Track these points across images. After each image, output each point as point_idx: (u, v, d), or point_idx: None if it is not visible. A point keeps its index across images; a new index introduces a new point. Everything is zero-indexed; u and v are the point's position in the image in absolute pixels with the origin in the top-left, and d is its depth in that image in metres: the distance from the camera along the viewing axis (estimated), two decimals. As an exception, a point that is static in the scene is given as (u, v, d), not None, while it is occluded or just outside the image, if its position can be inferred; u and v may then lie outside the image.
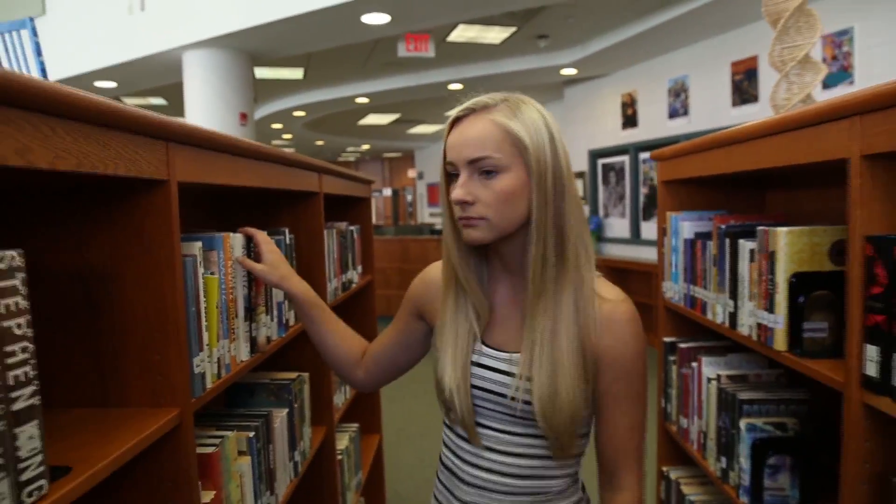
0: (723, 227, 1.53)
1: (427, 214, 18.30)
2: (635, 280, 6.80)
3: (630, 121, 7.63)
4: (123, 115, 0.85)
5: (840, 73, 4.96)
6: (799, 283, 1.23)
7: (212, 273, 1.17)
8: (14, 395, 0.67)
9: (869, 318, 0.99)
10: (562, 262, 1.01)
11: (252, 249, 1.34)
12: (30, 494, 0.69)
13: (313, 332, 1.31)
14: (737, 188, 1.99)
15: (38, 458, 0.70)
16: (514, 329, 1.09)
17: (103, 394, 1.02)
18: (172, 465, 1.02)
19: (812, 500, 1.39)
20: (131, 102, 8.99)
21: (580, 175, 8.68)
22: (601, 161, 8.24)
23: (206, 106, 6.19)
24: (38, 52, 3.49)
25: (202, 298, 1.12)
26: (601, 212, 8.29)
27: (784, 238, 1.24)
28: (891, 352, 0.94)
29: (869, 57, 4.79)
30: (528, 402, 1.02)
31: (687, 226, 1.80)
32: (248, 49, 6.24)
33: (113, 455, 0.84)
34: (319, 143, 15.87)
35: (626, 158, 7.71)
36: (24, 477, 0.68)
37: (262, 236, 1.34)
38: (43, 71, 3.55)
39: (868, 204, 0.98)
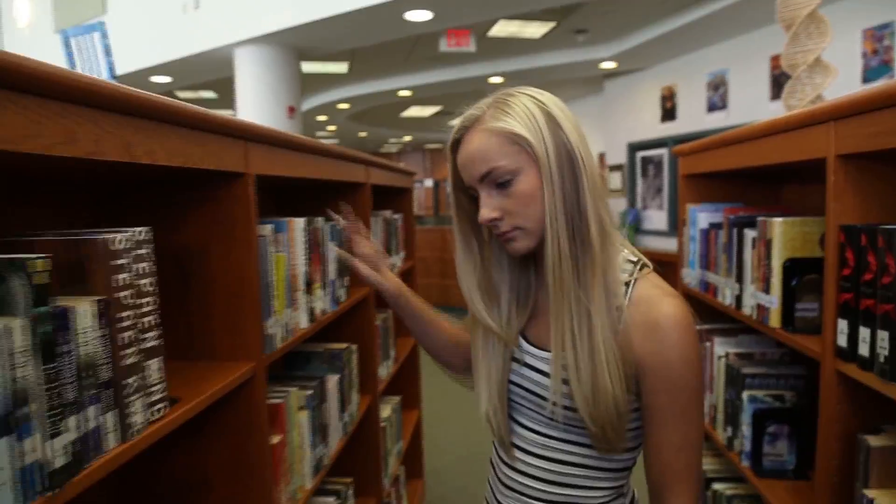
0: (732, 217, 1.69)
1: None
2: (671, 272, 6.88)
3: (669, 114, 7.68)
4: (215, 121, 1.06)
5: (881, 66, 4.97)
6: (792, 267, 1.38)
7: (279, 251, 1.38)
8: (144, 336, 0.88)
9: (841, 296, 1.14)
10: (584, 250, 0.92)
11: (343, 238, 1.35)
12: (156, 412, 0.90)
13: (408, 324, 1.29)
14: (755, 182, 2.12)
15: (161, 385, 0.92)
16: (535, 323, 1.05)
17: (194, 349, 1.23)
18: (248, 410, 1.23)
19: (806, 465, 1.55)
20: (183, 96, 9.37)
21: (618, 168, 8.75)
22: (640, 154, 8.30)
23: (256, 100, 6.47)
24: (108, 53, 3.78)
25: (272, 272, 1.33)
26: (639, 204, 8.36)
27: (779, 227, 1.39)
28: (857, 325, 1.10)
29: (911, 51, 4.79)
30: (568, 409, 0.97)
31: (703, 216, 1.95)
32: (295, 45, 6.49)
33: (208, 392, 1.05)
34: (362, 134, 16.16)
35: (664, 151, 7.76)
36: (152, 399, 0.90)
37: (359, 231, 1.31)
38: (111, 70, 3.84)
39: (842, 197, 1.13)
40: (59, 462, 0.70)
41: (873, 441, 1.10)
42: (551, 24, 6.69)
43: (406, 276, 3.04)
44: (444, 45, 6.47)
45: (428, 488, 3.47)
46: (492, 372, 1.06)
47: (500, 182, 0.94)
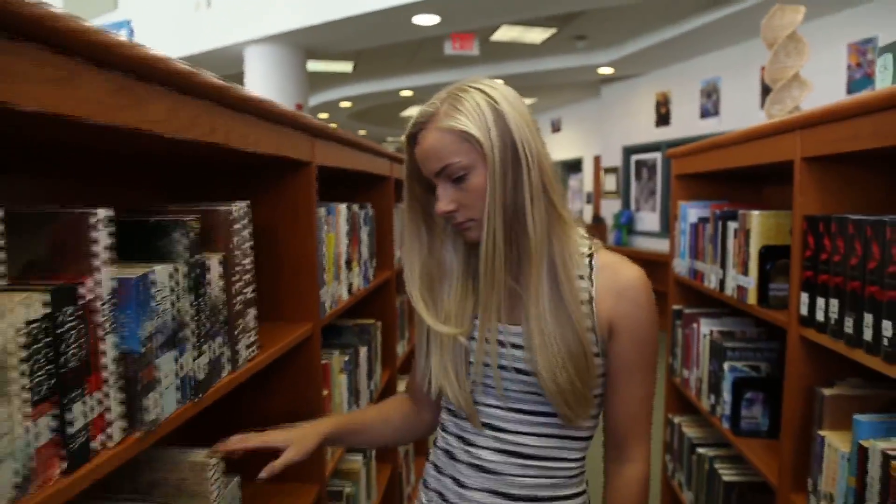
0: (717, 212, 1.92)
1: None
2: (663, 271, 7.13)
3: (663, 119, 7.93)
4: (292, 117, 1.28)
5: (864, 79, 5.23)
6: (766, 253, 1.62)
7: (330, 232, 1.61)
8: (246, 289, 1.11)
9: (803, 273, 1.38)
10: (523, 240, 0.98)
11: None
12: (252, 351, 1.13)
13: (360, 442, 1.27)
14: (740, 182, 2.36)
15: (255, 331, 1.15)
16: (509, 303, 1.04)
17: (263, 311, 1.46)
18: (307, 364, 1.46)
19: (777, 427, 1.79)
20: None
21: (613, 170, 9.01)
22: (634, 157, 8.56)
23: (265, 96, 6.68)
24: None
25: (325, 249, 1.56)
26: (633, 206, 8.61)
27: (756, 219, 1.63)
28: (815, 296, 1.33)
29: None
30: (521, 371, 1.01)
31: (693, 212, 2.19)
32: (304, 45, 6.70)
33: (282, 343, 1.28)
34: (362, 132, 16.37)
35: (658, 155, 8.02)
36: (249, 340, 1.12)
37: (267, 443, 1.10)
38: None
39: (806, 192, 1.37)
40: (201, 375, 0.93)
41: (826, 392, 1.34)
42: (552, 31, 6.93)
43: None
44: (449, 49, 6.69)
45: (432, 466, 3.69)
46: (452, 359, 1.06)
47: (455, 177, 0.97)
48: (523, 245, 0.98)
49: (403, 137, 1.06)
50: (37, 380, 0.61)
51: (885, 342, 1.09)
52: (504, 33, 7.00)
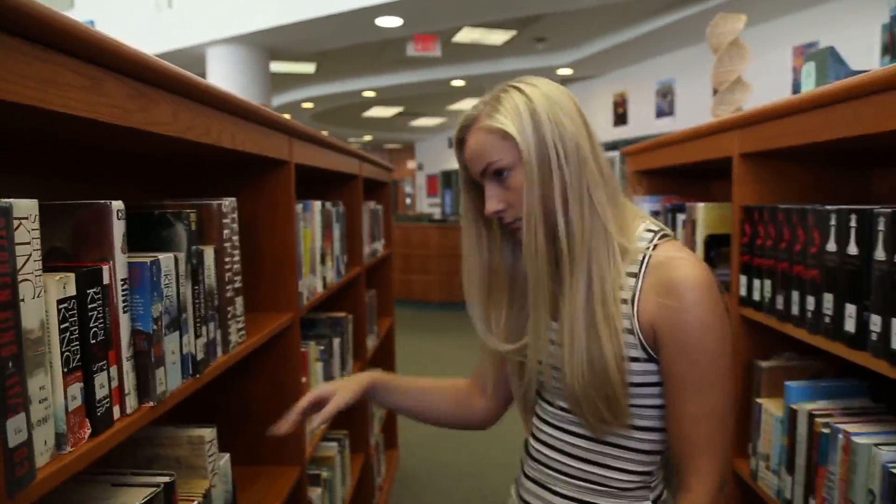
0: (668, 205, 2.07)
1: (426, 205, 18.81)
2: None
3: (621, 118, 8.16)
4: (270, 118, 1.37)
5: (808, 79, 5.48)
6: (711, 242, 1.77)
7: (307, 227, 1.70)
8: (235, 278, 1.20)
9: (742, 258, 1.52)
10: (570, 246, 0.94)
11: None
12: (241, 336, 1.22)
13: (402, 406, 1.27)
14: (690, 178, 2.52)
15: (243, 317, 1.24)
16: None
17: (249, 301, 1.54)
18: (287, 351, 1.55)
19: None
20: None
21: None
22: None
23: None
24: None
25: (302, 243, 1.65)
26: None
27: (701, 211, 1.77)
28: (752, 278, 1.48)
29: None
30: (557, 369, 1.00)
31: (646, 206, 2.33)
32: (267, 46, 6.73)
33: (266, 329, 1.37)
34: (324, 133, 16.35)
35: (616, 154, 8.24)
36: (238, 326, 1.21)
37: (319, 397, 1.16)
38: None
39: (743, 185, 1.51)
40: (200, 355, 1.01)
41: (763, 364, 1.48)
42: (513, 33, 7.08)
43: (384, 261, 3.36)
44: (412, 50, 6.79)
45: (402, 458, 3.79)
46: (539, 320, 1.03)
47: (499, 176, 0.98)
48: (560, 244, 0.95)
49: (453, 141, 1.07)
50: (69, 352, 0.70)
51: (809, 315, 1.23)
52: (466, 35, 7.13)
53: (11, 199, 0.60)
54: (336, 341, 2.09)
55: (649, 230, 0.99)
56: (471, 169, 1.03)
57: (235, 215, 1.20)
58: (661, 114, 7.42)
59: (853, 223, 1.09)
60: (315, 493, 1.81)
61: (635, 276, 0.95)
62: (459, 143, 1.05)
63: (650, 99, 7.61)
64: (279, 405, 1.56)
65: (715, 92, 2.28)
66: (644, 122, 7.71)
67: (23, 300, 0.61)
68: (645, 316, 0.93)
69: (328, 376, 1.95)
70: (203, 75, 6.74)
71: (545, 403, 1.08)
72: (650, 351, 0.94)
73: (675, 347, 0.91)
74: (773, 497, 1.41)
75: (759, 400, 1.47)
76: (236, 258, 1.20)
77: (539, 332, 0.99)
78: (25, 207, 0.62)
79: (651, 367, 0.94)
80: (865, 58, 5.18)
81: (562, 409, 1.03)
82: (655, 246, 0.97)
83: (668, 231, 1.01)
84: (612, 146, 8.31)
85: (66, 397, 0.68)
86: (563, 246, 0.95)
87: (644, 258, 0.96)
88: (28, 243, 0.62)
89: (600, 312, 0.93)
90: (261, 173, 1.50)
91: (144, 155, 1.28)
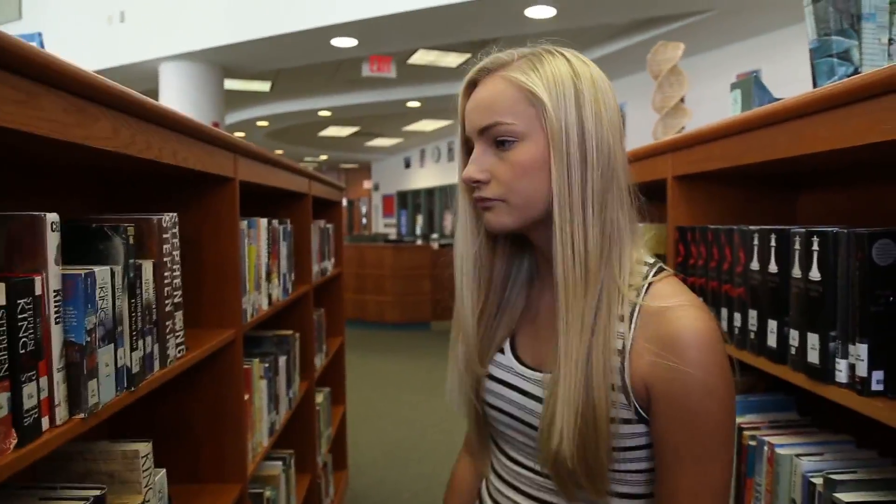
0: (610, 225, 2.13)
1: (382, 225, 18.80)
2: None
3: (573, 142, 8.33)
4: (215, 135, 1.38)
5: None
6: (649, 261, 1.83)
7: (251, 244, 1.70)
8: (175, 293, 1.19)
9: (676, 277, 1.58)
10: (586, 258, 0.79)
11: None
12: (180, 351, 1.21)
13: None
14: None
15: (182, 332, 1.23)
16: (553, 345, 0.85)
17: (187, 317, 1.53)
18: (230, 368, 1.54)
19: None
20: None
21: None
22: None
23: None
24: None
25: (246, 260, 1.65)
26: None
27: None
28: (686, 297, 1.54)
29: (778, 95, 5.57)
30: (530, 426, 0.86)
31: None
32: (222, 63, 6.70)
33: (208, 345, 1.36)
34: (279, 152, 16.25)
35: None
36: (177, 341, 1.21)
37: None
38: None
39: (677, 206, 1.58)
40: (135, 369, 1.01)
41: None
42: (467, 56, 7.15)
43: (334, 280, 3.36)
44: (367, 70, 6.84)
45: (351, 478, 3.76)
46: (462, 387, 0.94)
47: (500, 140, 0.81)
48: (587, 261, 0.79)
49: (461, 87, 0.88)
50: (-4, 361, 0.69)
51: (737, 331, 1.29)
52: (421, 57, 7.22)
53: (-62, 208, 0.60)
54: (282, 359, 2.08)
55: (645, 262, 0.86)
56: (469, 120, 0.85)
57: (176, 230, 1.20)
58: (611, 138, 7.62)
59: (773, 242, 1.15)
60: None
61: (625, 321, 0.80)
62: (469, 87, 0.87)
63: (601, 123, 7.80)
64: (220, 421, 1.55)
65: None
66: (595, 146, 7.89)
67: (-52, 309, 0.61)
68: (638, 372, 0.79)
69: (273, 395, 1.94)
70: (155, 91, 6.67)
71: (503, 457, 0.94)
72: (641, 412, 0.80)
73: (672, 413, 0.77)
74: (704, 508, 1.46)
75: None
76: (176, 273, 1.20)
77: (570, 364, 0.79)
78: (-47, 216, 0.62)
79: (640, 428, 0.81)
80: (805, 85, 5.43)
81: (526, 468, 0.89)
82: (650, 284, 0.82)
83: (665, 266, 0.89)
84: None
85: (-9, 407, 0.68)
86: (592, 255, 0.79)
87: (638, 297, 0.81)
88: (-45, 252, 0.62)
89: (600, 362, 0.78)
90: (205, 189, 1.51)
91: (88, 169, 1.28)
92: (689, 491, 0.78)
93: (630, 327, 0.80)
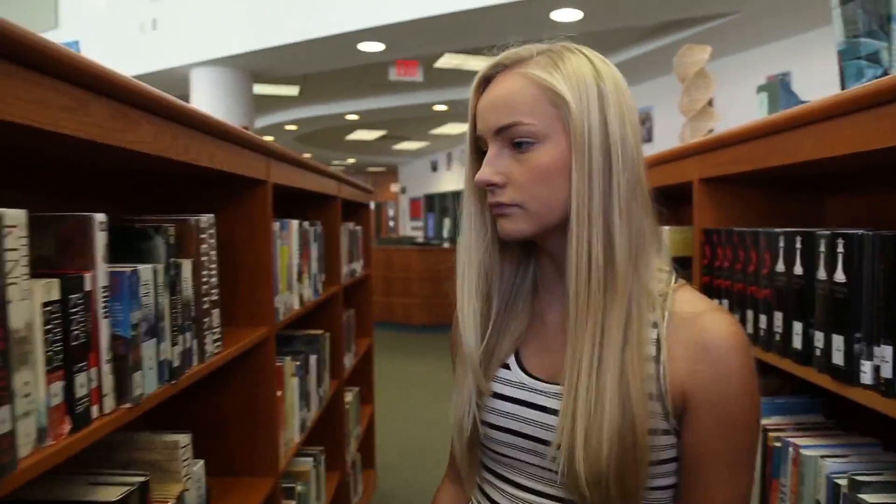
0: (636, 228, 2.14)
1: (409, 228, 18.88)
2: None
3: (600, 145, 8.31)
4: (250, 139, 1.43)
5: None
6: (675, 263, 1.83)
7: (284, 244, 1.75)
8: (212, 291, 1.24)
9: (702, 279, 1.59)
10: (612, 264, 0.75)
11: None
12: (217, 347, 1.26)
13: None
14: (663, 202, 2.60)
15: (219, 329, 1.28)
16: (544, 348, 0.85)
17: (225, 315, 1.58)
18: (262, 365, 1.58)
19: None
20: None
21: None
22: (573, 181, 8.91)
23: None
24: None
25: (278, 260, 1.70)
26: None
27: (666, 234, 1.84)
28: (711, 298, 1.54)
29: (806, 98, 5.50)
30: (542, 441, 0.81)
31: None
32: (251, 68, 6.81)
33: (242, 342, 1.41)
34: (307, 155, 16.42)
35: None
36: (214, 337, 1.25)
37: None
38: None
39: (703, 208, 1.59)
40: (176, 363, 1.05)
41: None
42: (493, 59, 7.21)
43: (363, 282, 3.41)
44: (393, 75, 6.90)
45: (379, 479, 3.80)
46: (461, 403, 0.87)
47: (518, 142, 0.77)
48: (607, 270, 0.75)
49: (473, 83, 0.83)
50: (52, 352, 0.74)
51: (762, 333, 1.30)
52: (447, 61, 7.25)
53: (2, 209, 0.65)
54: (313, 358, 2.12)
55: (662, 269, 0.83)
56: (483, 120, 0.80)
57: (213, 231, 1.25)
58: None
59: (798, 245, 1.16)
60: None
61: (657, 326, 0.78)
62: (482, 84, 0.82)
63: (628, 126, 7.78)
64: (254, 417, 1.60)
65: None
66: (622, 149, 7.87)
67: (10, 302, 0.65)
68: (675, 379, 0.76)
69: (304, 392, 1.98)
70: (187, 96, 6.80)
71: (506, 485, 0.86)
72: (675, 422, 0.77)
73: (712, 421, 0.75)
74: (730, 508, 1.46)
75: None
76: (213, 272, 1.25)
77: (582, 379, 0.75)
78: (15, 217, 0.66)
79: (670, 440, 0.78)
80: (837, 87, 5.36)
81: (539, 494, 0.82)
82: (673, 290, 0.81)
83: (683, 275, 0.87)
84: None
85: (48, 394, 0.72)
86: (618, 264, 0.75)
87: (665, 305, 0.79)
88: (16, 249, 0.66)
89: (636, 371, 0.74)
90: (240, 192, 1.55)
91: (129, 172, 1.33)
92: (723, 501, 0.77)
93: (663, 334, 0.77)
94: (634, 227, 0.77)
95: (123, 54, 7.04)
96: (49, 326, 0.73)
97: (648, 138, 7.41)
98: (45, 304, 0.73)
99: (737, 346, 0.76)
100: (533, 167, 0.77)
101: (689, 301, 0.80)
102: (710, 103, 2.39)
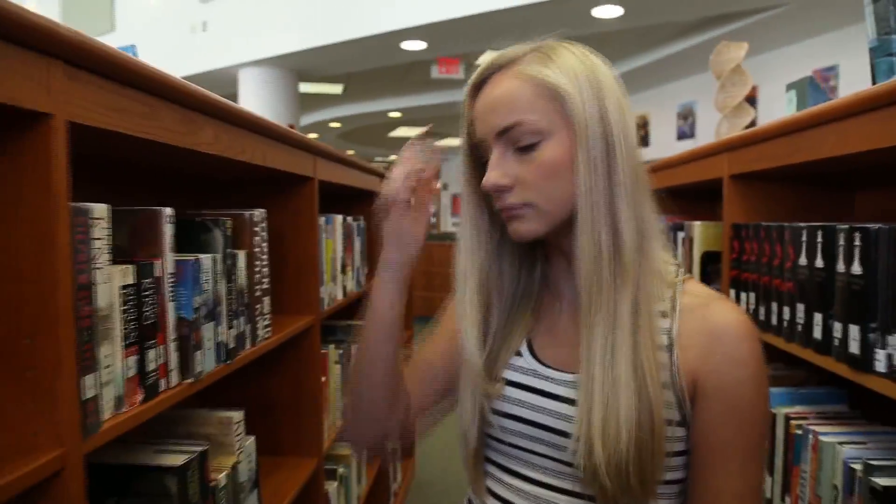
0: (670, 224, 2.18)
1: (450, 224, 18.99)
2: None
3: (643, 141, 8.26)
4: (297, 138, 1.52)
5: (826, 104, 5.55)
6: (706, 258, 1.88)
7: (329, 238, 1.84)
8: (263, 280, 1.34)
9: (731, 272, 1.63)
10: (620, 254, 0.75)
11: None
12: (267, 332, 1.36)
13: (379, 349, 0.90)
14: (695, 197, 2.63)
15: (269, 315, 1.38)
16: (576, 344, 0.79)
17: (273, 304, 1.69)
18: (308, 352, 1.68)
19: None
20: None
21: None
22: (615, 177, 8.89)
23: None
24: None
25: (324, 253, 1.80)
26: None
27: (697, 229, 1.88)
28: (740, 291, 1.58)
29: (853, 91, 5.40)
30: (558, 433, 0.79)
31: (651, 224, 2.44)
32: (296, 67, 6.98)
33: (290, 329, 1.51)
34: (350, 152, 16.65)
35: (637, 175, 8.35)
36: (265, 323, 1.35)
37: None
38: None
39: (732, 204, 1.63)
40: (231, 344, 1.16)
41: (749, 372, 1.59)
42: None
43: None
44: (435, 72, 6.99)
45: (418, 467, 3.90)
46: (469, 399, 0.85)
47: (522, 143, 0.76)
48: (616, 260, 0.75)
49: (465, 90, 0.82)
50: (128, 330, 0.84)
51: (785, 325, 1.34)
52: (488, 58, 7.30)
53: (90, 203, 0.75)
54: (354, 347, 2.22)
55: (667, 261, 0.83)
56: (482, 123, 0.79)
57: (265, 224, 1.35)
58: (682, 136, 7.52)
59: (819, 238, 1.20)
60: (331, 486, 1.93)
61: (667, 316, 0.78)
62: (475, 90, 0.81)
63: (671, 121, 7.71)
64: (299, 400, 1.70)
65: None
66: (665, 145, 7.80)
67: (96, 284, 0.75)
68: (687, 367, 0.76)
69: (345, 378, 2.08)
70: (235, 95, 7.01)
71: (509, 476, 0.84)
72: (686, 412, 0.76)
73: (723, 409, 0.75)
74: (755, 495, 1.51)
75: (743, 404, 1.57)
76: (265, 262, 1.35)
77: (597, 369, 0.74)
78: (100, 210, 0.76)
79: (682, 431, 0.77)
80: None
81: (550, 488, 0.80)
82: (682, 281, 0.82)
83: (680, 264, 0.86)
84: (632, 168, 8.44)
85: (124, 366, 0.83)
86: (626, 254, 0.75)
87: (673, 295, 0.79)
88: (101, 239, 0.76)
89: (649, 357, 0.73)
90: (288, 188, 1.65)
91: (190, 171, 1.44)
92: (734, 493, 0.76)
93: (673, 322, 0.77)
94: (638, 215, 0.76)
95: (175, 55, 7.29)
96: (125, 307, 0.83)
97: (691, 134, 7.35)
98: (123, 288, 0.83)
99: (747, 334, 0.77)
100: (540, 164, 0.76)
101: (696, 292, 0.81)
102: (747, 99, 2.41)
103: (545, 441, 0.80)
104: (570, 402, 0.78)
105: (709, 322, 0.77)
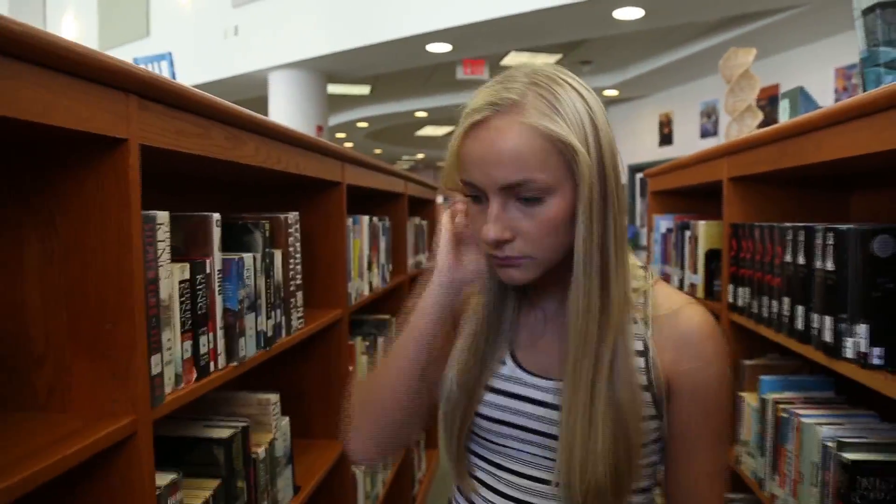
0: (678, 223, 2.29)
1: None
2: (666, 284, 7.49)
3: (666, 139, 8.30)
4: (327, 147, 1.67)
5: (850, 102, 5.56)
6: (710, 255, 1.98)
7: (356, 237, 1.99)
8: (296, 276, 1.49)
9: (730, 269, 1.74)
10: (606, 310, 0.79)
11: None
12: (299, 324, 1.51)
13: (413, 363, 0.89)
14: (703, 197, 2.72)
15: (302, 308, 1.52)
16: (556, 352, 0.85)
17: (305, 298, 1.84)
18: (337, 342, 1.83)
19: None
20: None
21: (620, 187, 9.38)
22: (639, 175, 8.92)
23: (287, 119, 7.12)
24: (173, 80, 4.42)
25: (351, 251, 1.94)
26: (638, 222, 8.96)
27: (702, 228, 1.99)
28: (737, 287, 1.69)
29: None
30: (543, 434, 0.85)
31: (663, 223, 2.55)
32: (325, 70, 7.15)
33: (321, 321, 1.65)
34: (377, 151, 16.85)
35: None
36: (298, 314, 1.50)
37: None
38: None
39: (732, 204, 1.74)
40: (269, 333, 1.30)
41: (747, 362, 1.70)
42: (558, 56, 7.34)
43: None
44: (461, 73, 7.11)
45: (441, 457, 4.04)
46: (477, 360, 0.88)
47: (526, 195, 0.76)
48: (603, 310, 0.79)
49: (459, 129, 0.80)
50: (184, 318, 0.99)
51: (774, 316, 1.45)
52: (513, 59, 7.41)
53: (156, 211, 0.90)
54: (380, 339, 2.37)
55: (640, 267, 0.89)
56: (482, 171, 0.77)
57: (298, 226, 1.50)
58: (705, 134, 7.55)
59: (801, 238, 1.31)
60: (359, 469, 2.08)
61: (640, 322, 0.84)
62: (471, 127, 0.78)
63: (695, 119, 7.74)
64: (329, 387, 1.85)
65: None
66: (689, 142, 7.83)
67: (160, 279, 0.90)
68: (661, 370, 0.82)
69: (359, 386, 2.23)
70: (265, 97, 7.21)
71: (500, 471, 0.89)
72: (661, 408, 0.84)
73: (693, 405, 0.83)
74: (750, 477, 1.62)
75: (741, 394, 1.68)
76: (298, 260, 1.50)
77: (579, 409, 0.79)
78: (162, 217, 0.91)
79: (656, 424, 0.84)
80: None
81: (533, 479, 0.86)
82: (651, 285, 0.87)
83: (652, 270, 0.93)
84: (658, 165, 8.47)
85: (181, 349, 0.98)
86: (613, 301, 0.79)
87: (644, 301, 0.86)
88: (163, 240, 0.91)
89: (627, 364, 0.80)
90: (319, 192, 1.80)
91: (232, 179, 1.59)
92: (707, 474, 0.85)
93: (647, 328, 0.84)
94: (622, 259, 0.80)
95: (208, 60, 7.52)
96: (182, 299, 0.98)
97: (714, 132, 7.38)
98: (180, 282, 0.98)
99: (713, 335, 0.84)
100: (545, 220, 0.76)
101: (667, 297, 0.87)
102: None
103: (530, 442, 0.86)
104: (555, 407, 0.83)
105: (679, 328, 0.84)
